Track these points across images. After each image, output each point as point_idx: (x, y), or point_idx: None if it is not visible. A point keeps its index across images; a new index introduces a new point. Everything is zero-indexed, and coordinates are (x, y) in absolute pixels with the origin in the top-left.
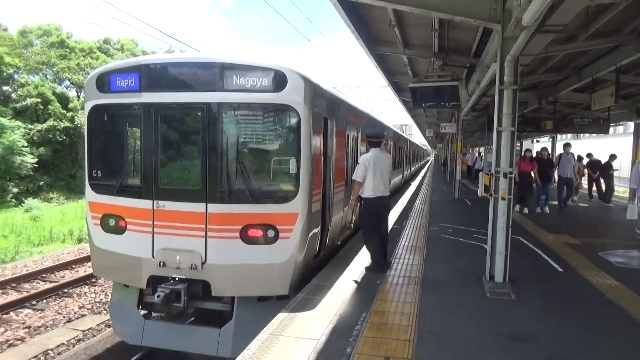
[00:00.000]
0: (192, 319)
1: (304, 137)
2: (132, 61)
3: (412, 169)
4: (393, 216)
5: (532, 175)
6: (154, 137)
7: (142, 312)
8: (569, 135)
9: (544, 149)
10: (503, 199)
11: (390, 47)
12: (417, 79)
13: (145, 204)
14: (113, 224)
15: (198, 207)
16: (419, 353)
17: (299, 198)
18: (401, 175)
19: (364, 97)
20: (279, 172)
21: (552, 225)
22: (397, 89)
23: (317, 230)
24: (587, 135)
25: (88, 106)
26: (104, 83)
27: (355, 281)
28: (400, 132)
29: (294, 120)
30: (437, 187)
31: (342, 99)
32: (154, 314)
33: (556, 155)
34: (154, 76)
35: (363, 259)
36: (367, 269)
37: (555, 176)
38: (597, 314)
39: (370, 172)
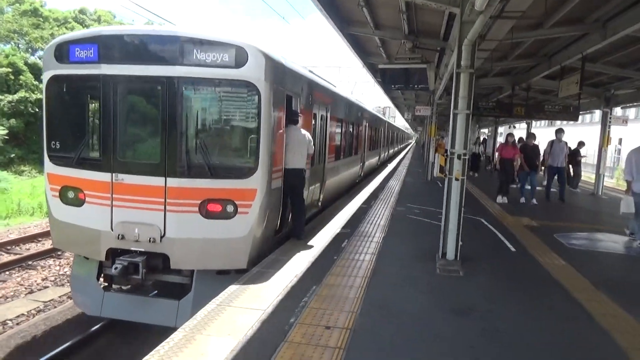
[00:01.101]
0: (155, 292)
1: (264, 114)
2: (91, 31)
3: (391, 151)
4: (363, 196)
5: (515, 162)
6: (113, 110)
7: (103, 284)
8: (544, 122)
9: (531, 135)
10: (457, 179)
11: (362, 27)
12: (390, 60)
13: (104, 176)
14: (72, 196)
15: (157, 181)
16: (360, 323)
17: (258, 174)
18: (377, 157)
19: (345, 78)
20: (238, 147)
21: (515, 209)
22: (373, 70)
23: (277, 206)
24: (568, 123)
25: (46, 76)
26: (62, 53)
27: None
28: (378, 114)
29: (254, 97)
30: (412, 169)
31: (308, 77)
32: (113, 286)
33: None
34: (113, 48)
35: (325, 235)
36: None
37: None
38: (537, 291)
39: (287, 146)
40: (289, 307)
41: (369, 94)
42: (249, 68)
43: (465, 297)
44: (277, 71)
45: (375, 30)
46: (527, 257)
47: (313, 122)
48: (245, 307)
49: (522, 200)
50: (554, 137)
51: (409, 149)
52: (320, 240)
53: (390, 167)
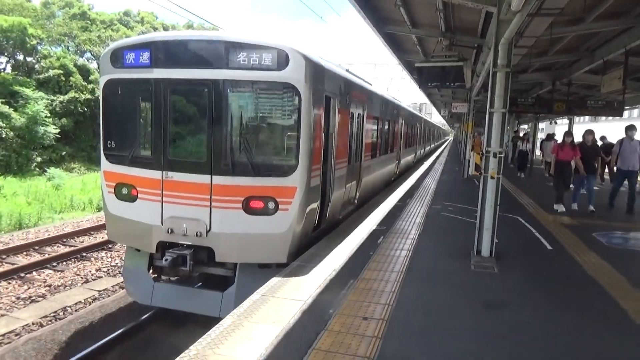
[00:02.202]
0: (200, 284)
1: (304, 114)
2: (144, 38)
3: (427, 148)
4: (399, 193)
5: (573, 165)
6: (164, 111)
7: (153, 275)
8: (586, 117)
9: (589, 132)
10: (492, 177)
11: (399, 26)
12: (427, 58)
13: (155, 174)
14: (126, 193)
15: (203, 179)
16: (395, 315)
17: (297, 172)
18: (414, 155)
19: (381, 74)
20: (279, 147)
21: (551, 206)
22: (410, 67)
23: (316, 203)
24: (610, 118)
25: (103, 80)
26: (117, 58)
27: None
28: (414, 111)
29: (294, 98)
30: (449, 166)
31: (345, 77)
32: (163, 277)
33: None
34: (165, 53)
35: (361, 231)
36: None
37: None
38: (572, 287)
39: None
40: (328, 298)
41: (405, 91)
42: (289, 70)
43: (499, 292)
44: (316, 72)
45: (412, 29)
46: (563, 255)
47: (350, 120)
48: (288, 298)
49: (575, 206)
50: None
51: (446, 146)
52: (357, 236)
53: (427, 164)
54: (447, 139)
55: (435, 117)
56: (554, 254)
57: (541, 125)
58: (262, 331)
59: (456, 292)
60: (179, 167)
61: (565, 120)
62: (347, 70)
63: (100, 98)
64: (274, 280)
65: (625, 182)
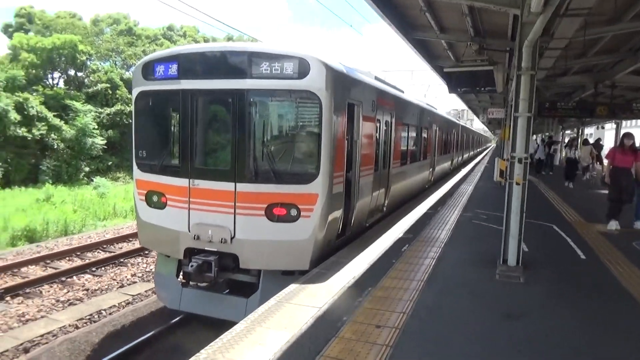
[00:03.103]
0: (228, 290)
1: (325, 122)
2: (172, 51)
3: (465, 155)
4: (431, 201)
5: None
6: (191, 121)
7: (182, 280)
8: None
9: None
10: (517, 184)
11: (426, 32)
12: (457, 62)
13: (183, 182)
14: (156, 200)
15: (228, 186)
16: (409, 324)
17: (319, 180)
18: (450, 162)
19: (418, 81)
20: (301, 155)
21: (592, 214)
22: (442, 73)
23: (339, 210)
24: None
25: (135, 92)
26: (148, 71)
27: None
28: (450, 117)
29: (316, 106)
30: (487, 173)
31: (371, 84)
32: (190, 283)
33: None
34: (191, 64)
35: (387, 239)
36: None
37: None
38: (600, 299)
39: None
40: (343, 306)
41: (443, 97)
42: (311, 78)
43: (521, 303)
44: (338, 80)
45: (440, 34)
46: (597, 265)
47: (377, 127)
48: (303, 305)
49: (638, 225)
50: None
51: (487, 153)
52: (382, 244)
53: (464, 171)
54: (489, 146)
55: (477, 124)
56: (586, 264)
57: (589, 130)
58: (273, 337)
59: (476, 301)
60: (205, 175)
61: (609, 125)
62: (375, 78)
63: (133, 109)
64: (292, 287)
65: None
